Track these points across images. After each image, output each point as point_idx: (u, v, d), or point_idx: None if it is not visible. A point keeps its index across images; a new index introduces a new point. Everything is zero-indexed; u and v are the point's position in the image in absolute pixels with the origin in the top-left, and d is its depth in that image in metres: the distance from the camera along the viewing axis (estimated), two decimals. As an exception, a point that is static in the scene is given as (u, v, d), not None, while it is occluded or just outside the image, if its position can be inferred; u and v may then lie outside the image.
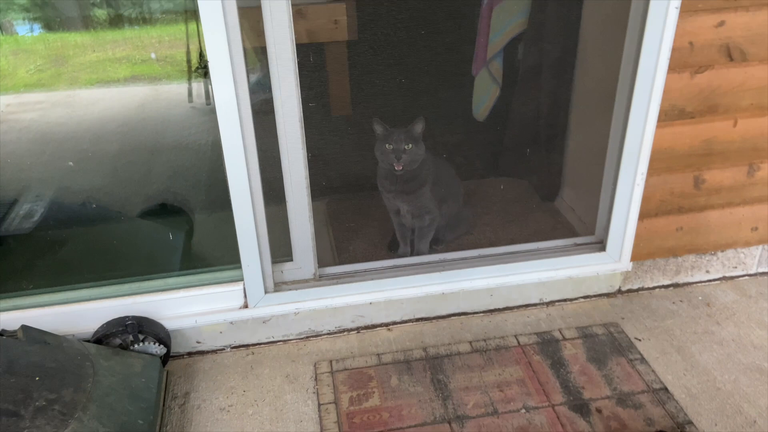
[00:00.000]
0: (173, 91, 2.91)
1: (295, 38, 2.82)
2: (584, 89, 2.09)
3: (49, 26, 2.46)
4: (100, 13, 2.48)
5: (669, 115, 1.70)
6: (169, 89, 2.91)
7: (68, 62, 2.64)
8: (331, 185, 2.54)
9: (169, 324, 1.70)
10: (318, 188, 2.51)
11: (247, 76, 1.50)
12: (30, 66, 2.34)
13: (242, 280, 1.72)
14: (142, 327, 1.64)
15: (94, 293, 1.70)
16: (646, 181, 1.77)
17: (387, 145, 1.76)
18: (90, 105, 2.79)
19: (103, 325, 1.65)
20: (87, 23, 2.48)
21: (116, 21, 2.51)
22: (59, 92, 2.76)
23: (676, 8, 1.54)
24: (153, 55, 2.07)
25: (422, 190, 1.83)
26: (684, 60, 1.63)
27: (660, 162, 1.76)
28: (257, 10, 1.46)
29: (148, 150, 2.62)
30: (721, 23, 1.60)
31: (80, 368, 1.44)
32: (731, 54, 1.64)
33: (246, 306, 1.74)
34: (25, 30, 2.30)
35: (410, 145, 1.75)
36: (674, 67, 1.63)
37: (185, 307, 1.72)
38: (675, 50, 1.60)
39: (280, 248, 1.78)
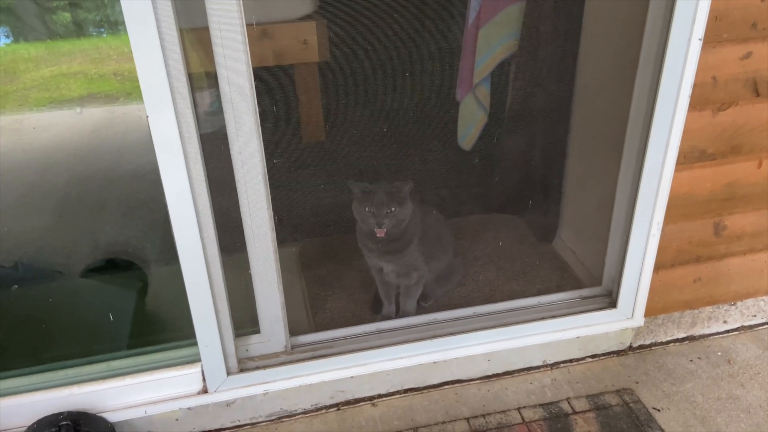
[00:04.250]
0: (132, 113, 2.64)
1: (261, 60, 2.56)
2: (584, 123, 1.87)
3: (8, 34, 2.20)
4: (59, 18, 2.22)
5: (688, 157, 1.49)
6: (128, 110, 2.64)
7: (19, 78, 2.38)
8: (303, 226, 2.29)
9: (113, 417, 1.44)
10: (289, 231, 2.26)
11: (194, 110, 1.23)
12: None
13: (200, 361, 1.46)
14: (79, 425, 1.37)
15: (22, 384, 1.43)
16: (662, 230, 1.56)
17: (366, 209, 1.50)
18: (40, 131, 2.52)
19: (33, 424, 1.38)
20: (43, 31, 2.21)
21: (75, 29, 2.26)
22: (5, 116, 2.49)
23: (699, 39, 1.32)
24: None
25: (409, 249, 1.59)
26: (706, 96, 1.42)
27: (677, 209, 1.55)
28: (205, 31, 1.20)
29: (101, 182, 2.36)
30: (748, 55, 1.40)
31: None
32: (758, 89, 1.44)
33: (205, 391, 1.48)
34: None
35: (394, 208, 1.49)
36: (695, 104, 1.42)
37: (133, 395, 1.45)
38: (696, 86, 1.39)
39: (245, 319, 1.52)
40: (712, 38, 1.35)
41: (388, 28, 2.57)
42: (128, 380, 1.44)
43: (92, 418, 1.40)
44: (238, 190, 1.35)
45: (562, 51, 1.83)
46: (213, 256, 1.36)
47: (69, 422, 1.35)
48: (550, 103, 1.93)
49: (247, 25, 1.21)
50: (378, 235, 1.50)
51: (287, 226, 2.25)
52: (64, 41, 2.29)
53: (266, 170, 1.34)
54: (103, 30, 2.28)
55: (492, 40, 2.04)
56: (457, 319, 1.68)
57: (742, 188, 1.57)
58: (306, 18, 2.50)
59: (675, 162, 1.47)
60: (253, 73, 1.24)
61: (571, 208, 2.02)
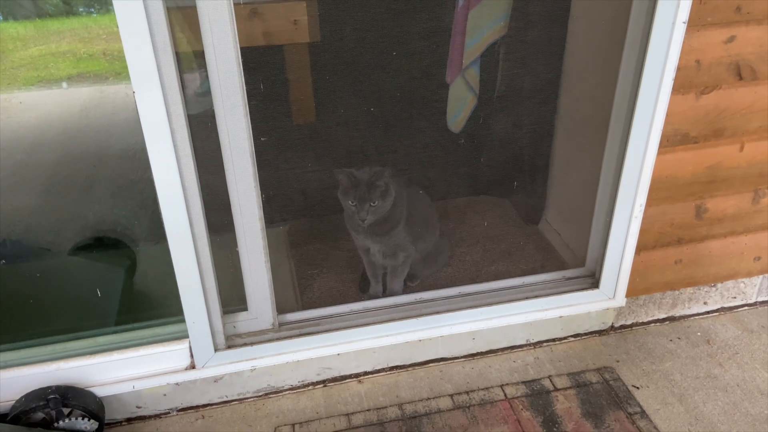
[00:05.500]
0: (121, 93, 2.63)
1: (251, 40, 2.55)
2: (570, 105, 1.89)
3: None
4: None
5: (671, 140, 1.51)
6: (117, 89, 2.63)
7: (7, 57, 2.36)
8: (292, 206, 2.30)
9: (102, 391, 1.46)
10: (278, 211, 2.28)
11: (181, 86, 1.23)
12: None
13: (188, 337, 1.48)
14: (67, 399, 1.39)
15: (10, 358, 1.44)
16: (644, 212, 1.59)
17: (350, 202, 1.56)
18: (29, 110, 2.50)
19: (21, 398, 1.40)
20: (32, 10, 2.19)
21: (64, 8, 2.24)
22: (-7, 95, 2.46)
23: (684, 23, 1.34)
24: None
25: (395, 230, 1.60)
26: (690, 80, 1.44)
27: (660, 191, 1.58)
28: (193, 10, 1.20)
29: (89, 161, 2.36)
30: (731, 38, 1.41)
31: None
32: (741, 72, 1.46)
33: (193, 366, 1.50)
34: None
35: (375, 202, 1.54)
36: (678, 87, 1.44)
37: (120, 371, 1.47)
38: (680, 69, 1.41)
39: (233, 296, 1.54)
40: (696, 21, 1.36)
41: (378, 9, 2.57)
42: (116, 355, 1.46)
43: (80, 392, 1.42)
44: (225, 167, 1.36)
45: (550, 34, 1.84)
46: (200, 233, 1.38)
47: (57, 396, 1.37)
48: (538, 86, 1.94)
49: (236, 4, 1.21)
50: (362, 223, 1.54)
51: (276, 206, 2.26)
52: (53, 20, 2.28)
53: (254, 149, 1.34)
54: (93, 9, 2.27)
55: (482, 22, 2.04)
56: (443, 298, 1.70)
57: (724, 171, 1.59)
58: (296, -2, 2.49)
59: (658, 145, 1.49)
60: (243, 52, 1.25)
61: (557, 190, 2.04)
